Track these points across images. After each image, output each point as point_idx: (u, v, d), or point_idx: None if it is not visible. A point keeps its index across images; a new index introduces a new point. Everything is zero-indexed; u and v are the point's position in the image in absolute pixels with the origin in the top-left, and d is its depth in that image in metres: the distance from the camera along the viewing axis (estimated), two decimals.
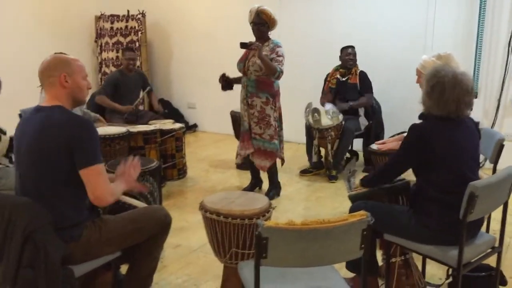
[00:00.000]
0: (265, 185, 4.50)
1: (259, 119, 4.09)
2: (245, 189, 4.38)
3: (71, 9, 6.83)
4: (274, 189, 4.39)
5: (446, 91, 2.24)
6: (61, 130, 2.05)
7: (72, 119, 2.09)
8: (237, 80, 4.26)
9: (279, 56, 3.99)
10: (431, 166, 2.26)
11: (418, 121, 2.42)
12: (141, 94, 5.44)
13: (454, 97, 2.24)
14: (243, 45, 3.96)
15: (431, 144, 2.24)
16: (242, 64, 4.15)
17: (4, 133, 3.07)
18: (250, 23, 4.09)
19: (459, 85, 2.25)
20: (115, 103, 5.14)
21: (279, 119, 4.23)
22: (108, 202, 2.12)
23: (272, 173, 4.35)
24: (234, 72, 4.29)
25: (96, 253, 2.17)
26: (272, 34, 4.25)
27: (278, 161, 4.36)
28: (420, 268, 2.78)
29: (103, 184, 2.07)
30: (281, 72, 3.97)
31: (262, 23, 4.03)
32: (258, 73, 4.02)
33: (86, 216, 2.17)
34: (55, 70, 2.13)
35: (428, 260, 2.78)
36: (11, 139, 3.00)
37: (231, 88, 4.27)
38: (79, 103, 2.26)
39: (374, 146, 3.73)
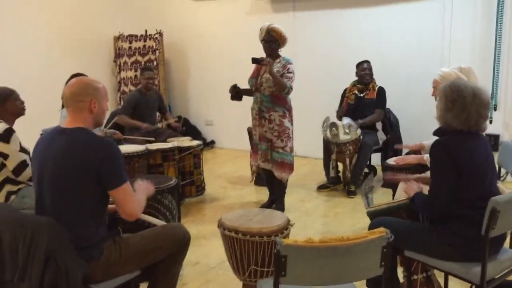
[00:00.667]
0: None
1: (279, 132, 4.17)
2: (263, 206, 4.38)
3: (90, 30, 6.98)
4: (280, 205, 4.38)
5: (468, 106, 2.23)
6: (86, 152, 2.08)
7: (96, 142, 2.14)
8: (247, 92, 4.35)
9: (289, 72, 4.08)
10: (456, 181, 2.23)
11: (433, 137, 2.41)
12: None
13: (474, 111, 2.24)
14: (254, 60, 4.05)
15: (455, 159, 2.21)
16: (254, 79, 4.24)
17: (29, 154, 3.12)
18: (261, 41, 4.18)
19: (479, 98, 2.24)
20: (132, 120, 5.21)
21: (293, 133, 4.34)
22: (138, 215, 2.24)
23: (283, 188, 4.40)
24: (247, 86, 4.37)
25: (116, 272, 2.18)
26: (288, 50, 4.31)
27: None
28: (442, 285, 2.73)
29: (132, 201, 2.18)
30: (291, 88, 4.05)
31: (272, 40, 4.11)
32: (272, 89, 4.10)
33: (106, 236, 2.19)
34: (85, 96, 2.17)
35: (450, 277, 2.72)
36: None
37: (240, 99, 4.33)
38: (99, 125, 2.32)
39: (390, 161, 3.70)
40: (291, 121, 4.24)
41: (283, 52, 4.26)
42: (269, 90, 4.12)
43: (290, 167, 4.28)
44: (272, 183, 4.40)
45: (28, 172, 3.04)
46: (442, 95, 2.32)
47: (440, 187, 2.27)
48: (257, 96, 4.22)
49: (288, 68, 4.09)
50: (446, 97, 2.29)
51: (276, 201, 4.43)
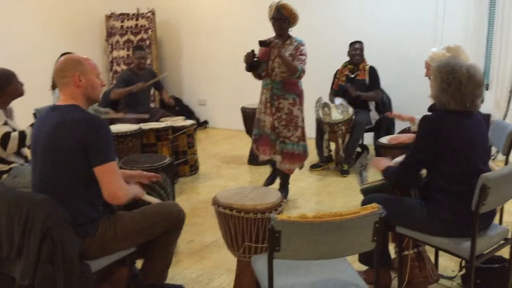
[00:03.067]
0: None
1: (287, 121, 3.91)
2: (267, 181, 4.31)
3: (81, 9, 6.89)
4: (284, 192, 4.15)
5: (463, 87, 2.24)
6: (75, 129, 2.09)
7: (85, 119, 2.13)
8: (257, 64, 3.96)
9: (302, 54, 3.81)
10: (444, 157, 2.26)
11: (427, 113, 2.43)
12: (159, 77, 5.41)
13: (470, 91, 2.26)
14: (262, 43, 3.76)
15: (443, 135, 2.24)
16: (264, 64, 3.91)
17: (14, 130, 3.12)
18: (270, 19, 3.88)
19: (473, 79, 2.26)
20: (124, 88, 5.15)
21: (304, 120, 4.05)
22: (121, 199, 2.14)
23: (287, 177, 4.18)
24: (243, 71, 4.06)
25: (111, 249, 2.21)
26: None
27: None
28: (433, 260, 2.78)
29: (116, 181, 2.11)
30: (303, 71, 3.79)
31: (283, 18, 3.81)
32: (285, 74, 3.82)
33: (100, 213, 2.21)
34: (68, 71, 2.18)
35: (441, 253, 2.78)
36: (20, 134, 3.06)
37: (257, 69, 3.93)
38: (94, 101, 2.30)
39: (383, 140, 3.73)
40: (301, 107, 3.98)
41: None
42: (281, 75, 3.84)
43: (299, 157, 4.01)
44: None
45: (13, 144, 3.04)
46: (437, 75, 2.32)
47: (413, 157, 2.36)
48: (268, 82, 3.92)
49: (301, 50, 3.82)
50: (441, 79, 2.29)
51: (280, 188, 4.13)
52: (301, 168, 4.18)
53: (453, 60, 2.37)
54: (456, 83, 2.25)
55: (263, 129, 4.02)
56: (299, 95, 3.97)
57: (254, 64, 3.90)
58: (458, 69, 2.26)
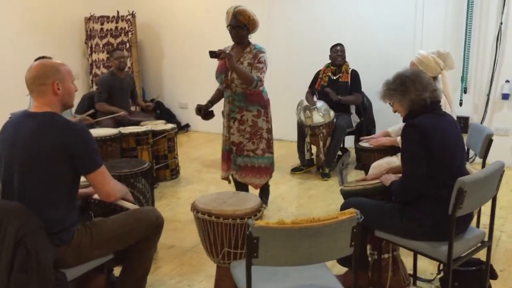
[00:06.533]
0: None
1: (251, 134, 3.69)
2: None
3: (60, 11, 6.80)
4: (264, 197, 4.03)
5: (411, 80, 2.38)
6: (57, 137, 2.06)
7: (67, 126, 2.11)
8: (213, 102, 3.88)
9: (260, 62, 3.54)
10: (429, 161, 2.26)
11: (399, 122, 2.47)
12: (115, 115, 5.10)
13: (419, 80, 2.38)
14: (212, 54, 3.47)
15: (428, 139, 2.25)
16: (223, 75, 3.64)
17: None
18: (227, 26, 3.64)
19: (410, 71, 2.48)
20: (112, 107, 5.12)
21: (271, 130, 3.84)
22: (116, 197, 2.28)
23: (265, 185, 3.97)
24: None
25: (88, 256, 2.17)
26: (262, 31, 3.96)
27: None
28: (411, 263, 2.81)
29: (109, 182, 2.23)
30: (259, 80, 3.51)
31: (240, 26, 3.56)
32: (244, 85, 3.57)
33: (76, 220, 2.17)
34: (46, 78, 2.13)
35: (419, 256, 2.80)
36: None
37: (212, 115, 3.85)
38: (68, 107, 2.28)
39: (362, 144, 3.74)
40: (266, 119, 3.74)
41: (256, 34, 3.73)
42: (241, 86, 3.58)
43: (266, 171, 3.79)
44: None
45: None
46: (392, 94, 2.43)
47: (412, 167, 2.31)
48: (228, 95, 3.69)
49: (259, 58, 3.54)
50: (394, 90, 2.41)
51: (260, 193, 3.96)
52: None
53: (387, 79, 2.51)
54: (405, 81, 2.37)
55: (224, 144, 3.85)
56: (264, 105, 3.73)
57: (207, 114, 3.82)
58: (397, 75, 2.44)
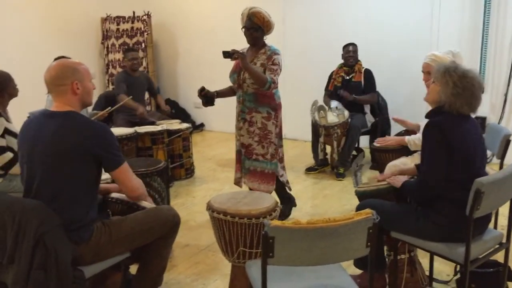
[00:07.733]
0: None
1: (260, 137, 3.59)
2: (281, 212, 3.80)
3: (77, 12, 6.88)
4: (287, 204, 3.92)
5: (476, 91, 2.28)
6: (79, 136, 2.10)
7: (88, 125, 2.16)
8: (220, 94, 3.76)
9: (274, 64, 3.47)
10: (449, 163, 2.24)
11: (424, 118, 2.43)
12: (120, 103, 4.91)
13: (480, 96, 2.31)
14: (225, 54, 3.42)
15: (449, 140, 2.23)
16: (236, 75, 3.61)
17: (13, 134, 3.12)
18: (242, 28, 3.58)
19: (480, 83, 2.31)
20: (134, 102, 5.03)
21: (280, 135, 3.72)
22: (140, 192, 2.34)
23: (280, 188, 3.85)
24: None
25: (106, 254, 2.20)
26: (276, 31, 3.90)
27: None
28: (427, 264, 2.79)
29: (132, 177, 2.29)
30: (272, 82, 3.44)
31: (254, 27, 3.50)
32: (257, 86, 3.51)
33: (95, 218, 2.20)
34: (66, 79, 2.16)
35: (436, 257, 2.77)
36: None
37: (212, 103, 3.68)
38: (87, 105, 2.32)
39: (376, 144, 3.71)
40: (276, 123, 3.62)
41: (271, 35, 3.65)
42: (253, 87, 3.52)
43: (272, 177, 3.65)
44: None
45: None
46: (447, 79, 2.28)
47: (433, 166, 2.27)
48: (240, 95, 3.63)
49: (274, 60, 3.48)
50: (453, 83, 2.26)
51: (282, 200, 3.87)
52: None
53: (455, 63, 2.38)
54: (470, 88, 2.26)
55: (237, 145, 3.76)
56: (275, 108, 3.61)
57: (209, 100, 3.65)
58: (468, 74, 2.28)
